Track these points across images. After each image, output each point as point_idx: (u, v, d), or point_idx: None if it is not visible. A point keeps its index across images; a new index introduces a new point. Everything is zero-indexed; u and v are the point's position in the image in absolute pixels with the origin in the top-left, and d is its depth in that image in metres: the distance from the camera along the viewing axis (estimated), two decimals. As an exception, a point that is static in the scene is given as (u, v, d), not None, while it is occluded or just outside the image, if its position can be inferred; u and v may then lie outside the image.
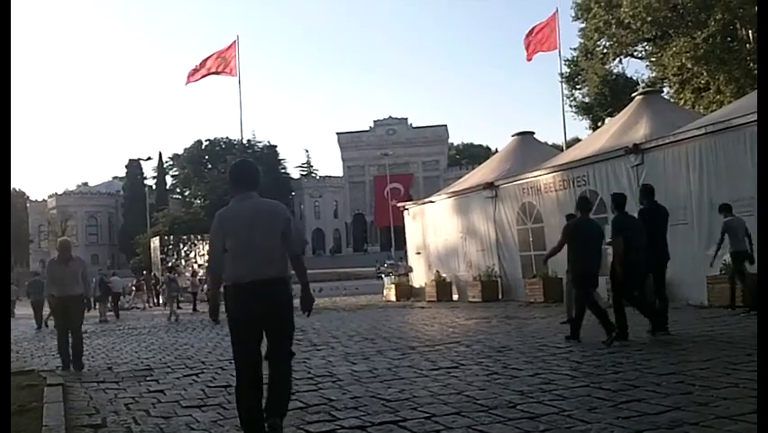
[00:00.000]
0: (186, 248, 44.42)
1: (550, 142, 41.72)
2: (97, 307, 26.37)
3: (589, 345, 9.68)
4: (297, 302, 5.27)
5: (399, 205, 29.69)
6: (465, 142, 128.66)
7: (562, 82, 38.53)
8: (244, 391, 5.12)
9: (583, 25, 38.79)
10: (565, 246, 10.42)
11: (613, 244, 10.02)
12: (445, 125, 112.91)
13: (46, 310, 19.09)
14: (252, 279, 5.06)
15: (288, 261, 5.26)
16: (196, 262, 44.26)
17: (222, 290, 5.33)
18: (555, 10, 35.18)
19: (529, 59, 33.88)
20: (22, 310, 27.79)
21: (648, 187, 11.22)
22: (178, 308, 26.30)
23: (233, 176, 5.47)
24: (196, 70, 36.92)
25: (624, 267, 9.82)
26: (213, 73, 36.72)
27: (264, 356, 5.18)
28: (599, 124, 36.72)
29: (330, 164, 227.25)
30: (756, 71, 29.05)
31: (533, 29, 33.73)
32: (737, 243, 12.36)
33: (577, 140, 39.35)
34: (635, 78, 38.90)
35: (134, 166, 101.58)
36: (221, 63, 36.68)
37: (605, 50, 38.02)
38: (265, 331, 5.19)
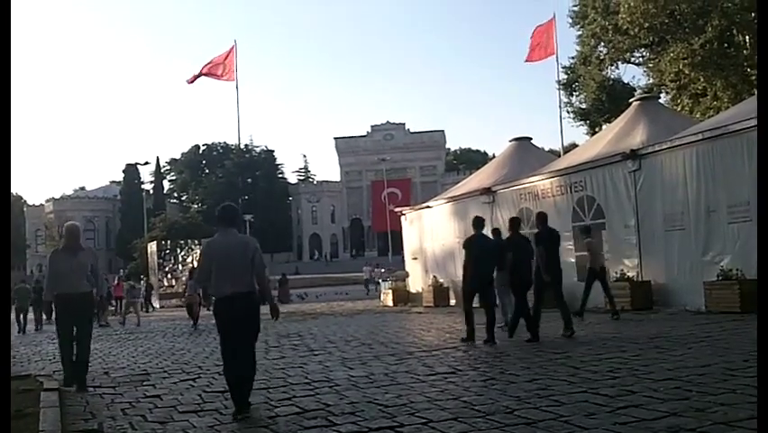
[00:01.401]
0: (183, 253, 44.41)
1: (547, 148, 41.73)
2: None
3: (586, 352, 9.68)
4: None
5: (397, 210, 29.69)
6: (462, 147, 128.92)
7: (559, 89, 38.62)
8: (230, 367, 6.90)
9: (580, 32, 38.90)
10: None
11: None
12: (443, 131, 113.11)
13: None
14: (232, 292, 6.82)
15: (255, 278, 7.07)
16: (193, 268, 44.29)
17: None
18: (552, 16, 35.35)
19: (527, 61, 33.93)
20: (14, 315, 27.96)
21: (517, 219, 13.51)
22: (142, 309, 27.79)
23: (220, 215, 7.24)
24: (197, 75, 37.11)
25: (471, 279, 12.01)
26: (212, 75, 36.90)
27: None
28: (597, 129, 36.79)
29: (327, 169, 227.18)
30: (754, 77, 29.17)
31: (535, 30, 33.82)
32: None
33: (574, 145, 39.40)
34: (632, 84, 39.00)
35: (132, 170, 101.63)
36: (220, 68, 36.86)
37: (602, 57, 38.08)
38: (239, 329, 6.86)
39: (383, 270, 45.32)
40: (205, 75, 37.23)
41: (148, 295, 39.52)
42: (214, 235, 7.31)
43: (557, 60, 37.83)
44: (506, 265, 12.16)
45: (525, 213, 20.10)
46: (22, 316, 24.37)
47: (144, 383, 9.23)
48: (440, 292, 23.46)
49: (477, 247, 11.98)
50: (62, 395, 8.22)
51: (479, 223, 12.49)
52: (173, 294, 40.69)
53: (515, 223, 13.00)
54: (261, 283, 7.13)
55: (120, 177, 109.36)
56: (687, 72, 32.25)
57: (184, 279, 35.69)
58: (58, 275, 8.97)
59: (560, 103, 38.35)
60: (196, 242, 48.71)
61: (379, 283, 44.44)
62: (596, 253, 15.01)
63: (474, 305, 12.21)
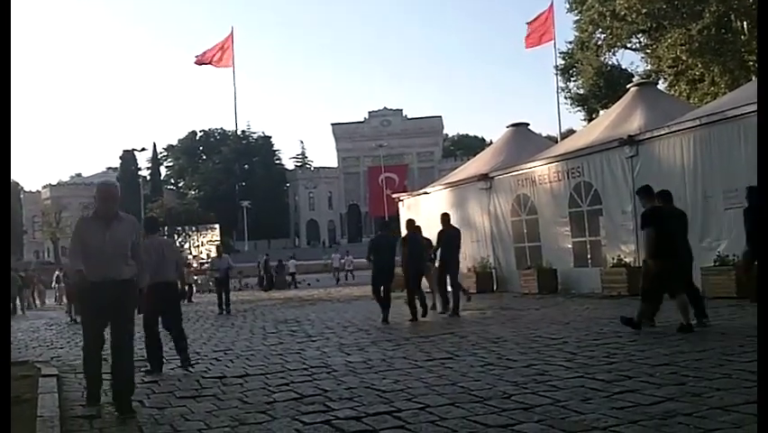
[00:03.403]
0: (180, 239, 44.43)
1: (545, 134, 41.82)
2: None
3: (583, 337, 9.71)
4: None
5: (394, 196, 29.64)
6: (460, 133, 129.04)
7: (557, 74, 38.57)
8: (154, 343, 8.94)
9: (578, 17, 38.81)
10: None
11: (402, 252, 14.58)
12: (440, 117, 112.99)
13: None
14: (161, 280, 8.71)
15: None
16: (190, 254, 44.25)
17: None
18: (551, 2, 35.27)
19: (528, 47, 33.90)
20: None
21: (411, 220, 15.47)
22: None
23: (146, 225, 9.83)
24: (204, 57, 37.10)
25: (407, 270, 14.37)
26: (211, 64, 36.94)
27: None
28: (594, 115, 36.78)
29: (325, 155, 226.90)
30: (751, 63, 29.15)
31: (537, 17, 33.75)
32: None
33: (572, 131, 39.44)
34: (629, 70, 38.97)
35: (129, 157, 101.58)
36: (218, 54, 36.91)
37: (600, 42, 38.02)
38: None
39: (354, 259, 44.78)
40: (210, 63, 37.33)
41: None
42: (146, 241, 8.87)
43: (555, 46, 37.85)
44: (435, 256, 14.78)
45: (523, 199, 20.13)
46: (11, 304, 24.43)
47: (142, 369, 9.22)
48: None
49: (411, 242, 14.47)
50: (60, 381, 8.23)
51: (411, 224, 15.11)
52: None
53: (445, 218, 15.25)
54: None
55: (117, 163, 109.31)
56: (684, 58, 32.24)
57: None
58: (85, 253, 6.49)
59: (557, 89, 38.34)
60: (194, 228, 48.66)
61: (351, 271, 43.93)
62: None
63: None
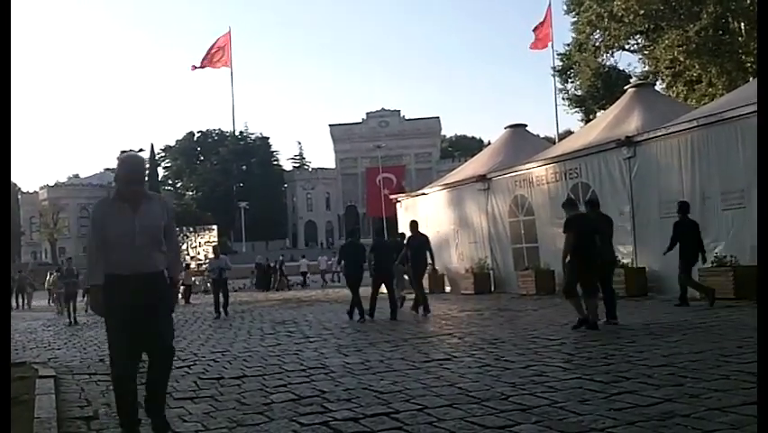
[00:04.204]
0: (177, 240, 44.32)
1: (542, 135, 41.86)
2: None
3: (581, 338, 9.71)
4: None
5: (392, 197, 29.67)
6: (458, 134, 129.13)
7: (554, 76, 38.60)
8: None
9: (575, 19, 38.84)
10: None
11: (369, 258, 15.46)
12: (438, 117, 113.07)
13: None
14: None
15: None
16: (188, 255, 44.18)
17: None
18: (549, 4, 35.31)
19: (532, 48, 33.96)
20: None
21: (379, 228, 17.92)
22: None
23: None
24: (202, 61, 37.12)
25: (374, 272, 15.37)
26: (210, 65, 36.96)
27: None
28: (592, 116, 36.80)
29: (322, 156, 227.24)
30: (748, 64, 29.17)
31: (543, 21, 33.84)
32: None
33: (569, 132, 39.47)
34: (627, 72, 38.99)
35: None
36: (216, 56, 36.93)
37: (597, 44, 38.04)
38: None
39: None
40: (209, 66, 37.38)
41: None
42: None
43: (552, 47, 37.86)
44: (405, 259, 16.04)
45: (520, 200, 20.14)
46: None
47: (140, 370, 9.21)
48: (435, 279, 23.46)
49: (379, 247, 15.78)
50: (57, 382, 8.21)
51: (380, 230, 17.82)
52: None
53: (413, 225, 16.59)
54: None
55: (114, 164, 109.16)
56: (682, 59, 32.27)
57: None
58: (110, 243, 5.28)
59: (555, 90, 38.36)
60: (191, 229, 48.56)
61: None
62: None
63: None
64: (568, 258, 10.66)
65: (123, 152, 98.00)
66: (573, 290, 10.71)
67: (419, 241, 16.07)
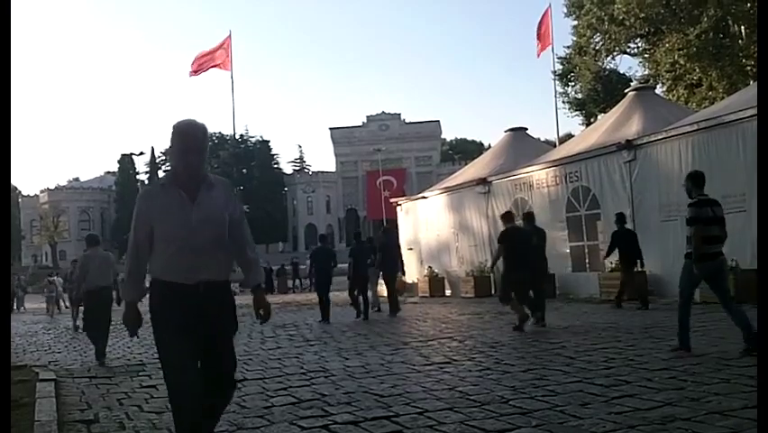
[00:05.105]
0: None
1: (543, 138, 41.82)
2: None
3: (581, 341, 9.71)
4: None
5: (392, 200, 29.70)
6: (458, 137, 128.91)
7: (555, 79, 38.62)
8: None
9: (576, 22, 38.86)
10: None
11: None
12: (438, 121, 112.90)
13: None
14: (101, 285, 11.19)
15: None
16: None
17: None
18: (548, 6, 35.30)
19: (539, 55, 34.00)
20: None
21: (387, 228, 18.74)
22: (57, 309, 28.31)
23: (88, 240, 12.20)
24: (198, 65, 37.07)
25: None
26: (211, 66, 36.90)
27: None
28: (592, 120, 36.82)
29: (323, 159, 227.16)
30: (749, 68, 29.19)
31: (540, 24, 33.84)
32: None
33: (570, 136, 39.46)
34: (628, 75, 39.01)
35: (127, 161, 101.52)
36: (217, 58, 36.89)
37: (598, 47, 38.08)
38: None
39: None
40: (208, 67, 37.29)
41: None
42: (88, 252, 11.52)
43: (553, 51, 37.84)
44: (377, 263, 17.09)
45: (521, 203, 20.14)
46: None
47: (140, 374, 9.21)
48: (435, 283, 23.50)
49: (356, 252, 17.03)
50: (58, 385, 8.22)
51: (359, 235, 18.72)
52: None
53: (386, 230, 18.65)
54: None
55: (115, 167, 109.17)
56: (682, 63, 32.29)
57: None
58: (158, 248, 4.18)
59: (555, 93, 38.37)
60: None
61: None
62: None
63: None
64: (502, 268, 12.05)
65: (128, 154, 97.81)
66: (508, 296, 11.85)
67: (390, 245, 17.81)
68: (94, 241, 12.26)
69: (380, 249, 17.29)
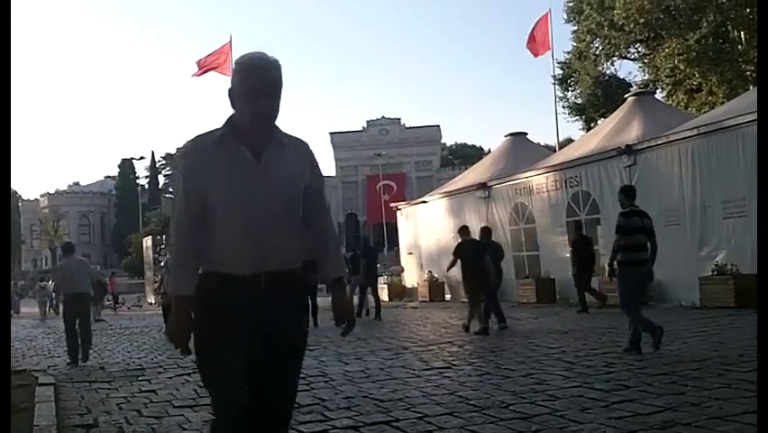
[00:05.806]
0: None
1: (543, 143, 41.77)
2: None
3: (581, 347, 9.70)
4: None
5: (392, 204, 29.71)
6: (458, 142, 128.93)
7: (554, 84, 38.61)
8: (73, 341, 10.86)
9: (575, 27, 38.89)
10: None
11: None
12: (438, 126, 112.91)
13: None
14: (78, 291, 11.53)
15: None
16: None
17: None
18: (548, 11, 35.29)
19: (536, 56, 33.95)
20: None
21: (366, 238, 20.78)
22: (55, 312, 28.79)
23: (63, 248, 12.76)
24: (200, 67, 37.10)
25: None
26: (212, 68, 36.92)
27: None
28: (592, 124, 36.80)
29: (323, 164, 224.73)
30: (748, 72, 29.22)
31: (535, 25, 33.79)
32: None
33: (570, 141, 39.39)
34: (627, 80, 39.00)
35: (127, 165, 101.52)
36: (217, 60, 36.94)
37: (597, 52, 38.09)
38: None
39: None
40: (206, 71, 37.33)
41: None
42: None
43: (552, 56, 37.77)
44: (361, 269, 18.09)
45: (521, 208, 20.15)
46: None
47: (139, 378, 9.21)
48: (435, 287, 23.49)
49: (368, 254, 18.43)
50: (57, 390, 8.21)
51: (367, 240, 20.97)
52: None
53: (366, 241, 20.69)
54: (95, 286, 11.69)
55: (115, 172, 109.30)
56: (682, 68, 32.32)
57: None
58: (212, 220, 2.97)
59: (555, 98, 38.30)
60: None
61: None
62: None
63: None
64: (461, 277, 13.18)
65: (129, 158, 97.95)
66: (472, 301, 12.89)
67: (373, 252, 19.40)
68: (69, 249, 12.67)
69: (364, 255, 18.39)
